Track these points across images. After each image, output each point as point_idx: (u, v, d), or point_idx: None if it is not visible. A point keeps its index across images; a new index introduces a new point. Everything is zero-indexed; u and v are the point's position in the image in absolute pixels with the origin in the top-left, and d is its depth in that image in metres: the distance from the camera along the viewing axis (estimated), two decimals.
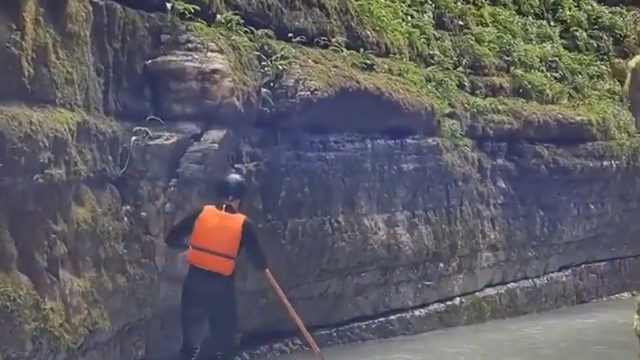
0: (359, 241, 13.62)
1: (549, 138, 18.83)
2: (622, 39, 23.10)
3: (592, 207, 20.29)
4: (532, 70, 19.56)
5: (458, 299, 16.49)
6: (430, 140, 15.44)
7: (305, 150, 12.68)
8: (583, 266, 20.69)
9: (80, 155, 8.48)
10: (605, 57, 22.47)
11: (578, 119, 19.47)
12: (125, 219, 9.62)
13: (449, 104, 16.53)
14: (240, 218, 9.65)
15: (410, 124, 14.87)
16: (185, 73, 10.58)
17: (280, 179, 12.13)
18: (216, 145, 10.47)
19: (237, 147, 11.21)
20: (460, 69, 17.56)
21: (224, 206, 9.65)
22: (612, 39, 22.99)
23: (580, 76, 21.10)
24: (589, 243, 20.52)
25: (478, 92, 17.88)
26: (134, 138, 9.89)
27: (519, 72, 19.09)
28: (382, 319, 14.55)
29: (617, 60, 22.71)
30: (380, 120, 14.08)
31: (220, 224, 9.53)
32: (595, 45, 22.38)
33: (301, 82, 12.26)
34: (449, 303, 16.22)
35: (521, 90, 18.94)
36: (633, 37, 23.27)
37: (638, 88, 6.39)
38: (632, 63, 6.55)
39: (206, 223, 9.53)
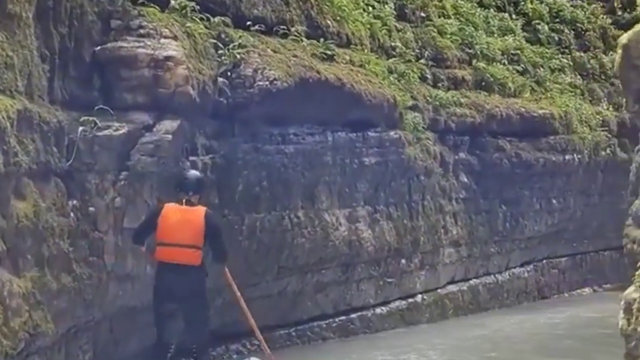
0: (319, 237, 13.07)
1: (511, 131, 18.32)
2: (583, 32, 22.67)
3: (554, 201, 19.82)
4: (494, 63, 19.03)
5: (420, 295, 15.94)
6: (392, 133, 14.87)
7: (263, 143, 12.11)
8: (544, 261, 20.24)
9: (20, 145, 7.82)
10: (567, 51, 22.00)
11: (540, 112, 18.98)
12: (71, 214, 8.96)
13: (411, 96, 15.96)
14: (202, 209, 9.62)
15: (371, 116, 14.31)
16: (137, 60, 9.95)
17: (238, 173, 11.56)
18: (169, 136, 9.87)
19: (191, 139, 10.59)
20: (422, 60, 17.01)
21: (184, 201, 9.58)
22: (573, 32, 22.54)
23: (541, 69, 20.62)
24: (550, 238, 20.06)
25: (440, 84, 17.34)
26: (81, 128, 9.23)
27: (481, 64, 18.57)
28: (342, 318, 13.97)
29: (578, 54, 22.26)
30: (341, 111, 13.51)
31: (182, 218, 9.46)
32: (557, 38, 21.91)
33: (259, 72, 11.68)
34: (410, 300, 15.67)
35: (483, 83, 18.44)
36: (594, 30, 22.85)
37: (630, 66, 5.80)
38: (623, 39, 5.97)
39: (169, 219, 9.45)
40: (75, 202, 9.05)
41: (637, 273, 6.13)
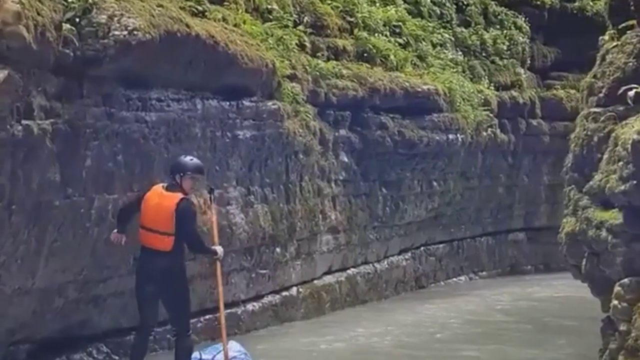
0: None
1: (394, 107, 16.18)
2: (464, 7, 20.71)
3: (435, 184, 17.78)
4: (376, 34, 16.84)
5: (295, 288, 13.64)
6: (269, 104, 12.56)
7: (119, 108, 9.78)
8: (422, 248, 18.19)
9: None
10: (448, 25, 19.98)
11: (425, 87, 16.87)
12: None
13: (290, 65, 13.60)
14: (176, 196, 9.21)
15: (247, 83, 11.98)
16: None
17: (86, 143, 9.17)
18: None
19: (25, 97, 8.02)
20: (301, 27, 14.66)
21: (165, 185, 9.30)
22: (454, 6, 20.53)
23: (423, 43, 18.53)
24: (429, 223, 18.05)
25: (320, 53, 15.04)
26: None
27: (363, 34, 16.34)
28: (208, 316, 11.48)
29: (459, 29, 20.26)
30: (213, 75, 11.11)
31: (158, 203, 9.19)
32: (439, 12, 19.86)
33: (116, 19, 9.32)
34: (284, 294, 13.35)
35: (365, 55, 16.23)
36: (475, 5, 20.89)
37: None
38: None
39: (148, 202, 9.22)
40: None
41: None
